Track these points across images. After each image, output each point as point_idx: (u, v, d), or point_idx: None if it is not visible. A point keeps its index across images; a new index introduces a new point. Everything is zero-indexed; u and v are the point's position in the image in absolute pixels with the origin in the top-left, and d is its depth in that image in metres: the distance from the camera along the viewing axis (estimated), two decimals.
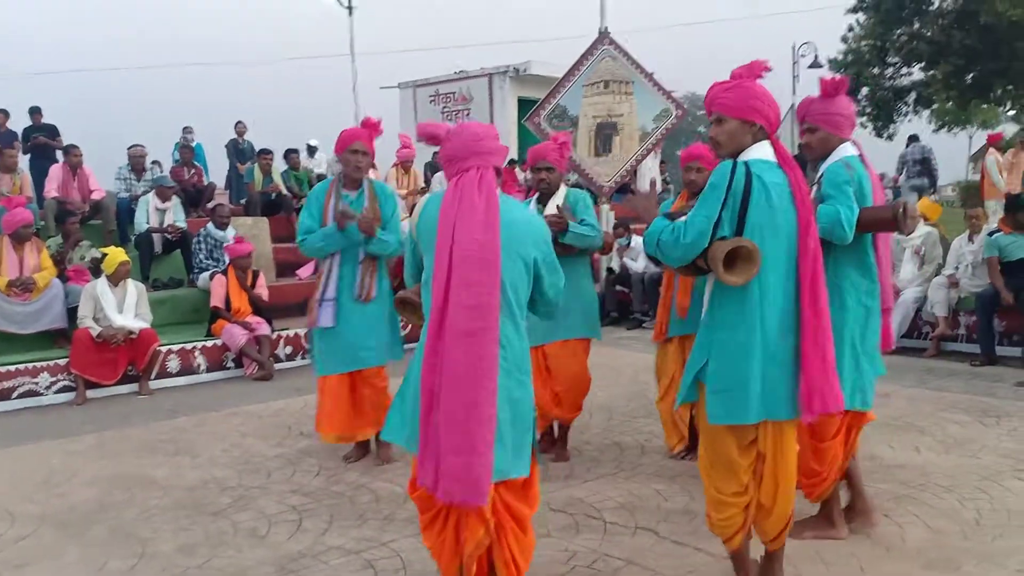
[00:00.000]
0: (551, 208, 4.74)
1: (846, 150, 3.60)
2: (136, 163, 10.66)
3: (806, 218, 2.90)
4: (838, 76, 3.78)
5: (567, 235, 4.55)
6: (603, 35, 11.09)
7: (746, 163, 2.90)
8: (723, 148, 3.02)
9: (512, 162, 17.30)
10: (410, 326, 9.59)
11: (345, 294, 4.87)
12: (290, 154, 12.78)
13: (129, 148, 10.79)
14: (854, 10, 26.27)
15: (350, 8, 22.05)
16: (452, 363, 2.58)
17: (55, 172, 9.96)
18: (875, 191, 3.59)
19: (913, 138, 15.53)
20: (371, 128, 4.93)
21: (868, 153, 3.70)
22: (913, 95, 26.70)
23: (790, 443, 3.03)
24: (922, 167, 14.82)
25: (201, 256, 9.22)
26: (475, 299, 2.58)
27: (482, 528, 2.69)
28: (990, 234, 7.83)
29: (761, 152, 2.95)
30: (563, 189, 4.87)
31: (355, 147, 4.82)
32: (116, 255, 7.49)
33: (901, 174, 15.25)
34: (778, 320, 2.89)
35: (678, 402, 3.24)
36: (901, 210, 3.36)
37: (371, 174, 12.42)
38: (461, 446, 2.57)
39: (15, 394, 7.05)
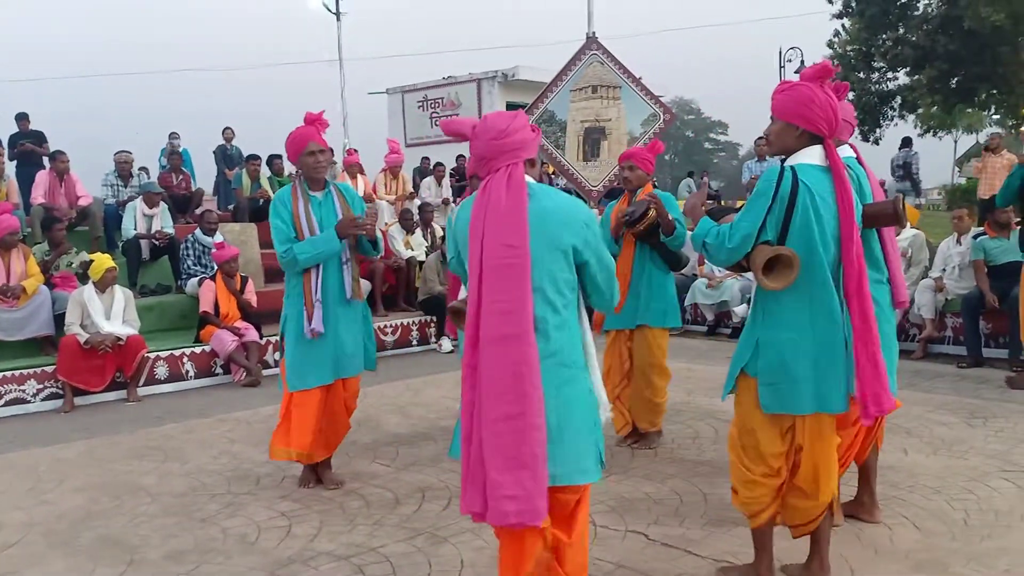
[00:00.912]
0: None
1: (843, 152, 3.69)
2: (122, 169, 10.61)
3: (849, 225, 2.98)
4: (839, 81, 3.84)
5: None
6: (591, 40, 11.13)
7: (793, 169, 3.00)
8: (771, 147, 3.20)
9: None
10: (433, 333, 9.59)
11: (330, 297, 4.58)
12: (274, 160, 12.68)
13: (115, 154, 10.74)
14: (840, 15, 26.49)
15: (338, 14, 22.07)
16: (489, 373, 2.44)
17: (41, 179, 9.90)
18: (875, 192, 3.71)
19: (904, 141, 15.68)
20: (317, 122, 4.62)
21: None
22: (899, 100, 26.91)
23: (830, 434, 3.15)
24: (903, 172, 15.01)
25: (189, 262, 9.19)
26: (507, 304, 2.44)
27: (540, 542, 2.53)
28: (975, 237, 7.89)
29: (811, 156, 3.05)
30: None
31: (312, 148, 4.53)
32: (103, 261, 7.45)
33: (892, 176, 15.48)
34: (826, 320, 3.01)
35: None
36: (901, 204, 3.46)
37: (360, 179, 12.42)
38: (509, 462, 2.39)
39: (2, 401, 7.01)
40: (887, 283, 3.71)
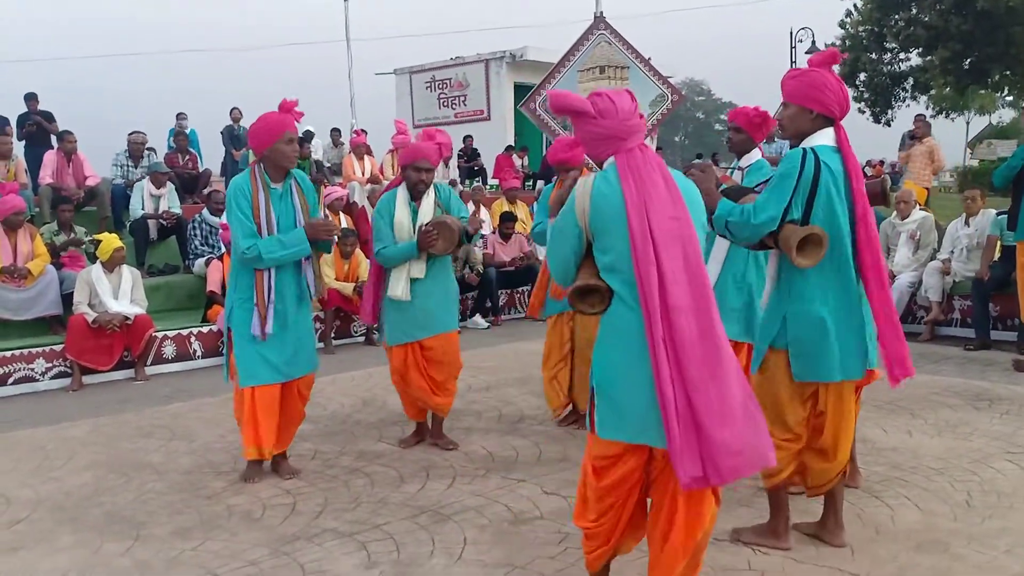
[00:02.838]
0: (426, 205, 4.82)
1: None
2: (135, 150, 10.65)
3: (863, 205, 3.15)
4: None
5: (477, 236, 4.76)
6: (599, 20, 11.06)
7: (814, 150, 3.14)
8: (786, 131, 3.33)
9: (509, 148, 17.27)
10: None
11: (285, 297, 4.44)
12: (303, 143, 12.27)
13: (129, 134, 10.77)
14: None
15: None
16: (686, 342, 2.48)
17: (49, 159, 9.94)
18: None
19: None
20: (292, 112, 4.42)
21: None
22: (911, 81, 26.68)
23: (849, 400, 3.32)
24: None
25: (196, 242, 9.22)
26: (690, 274, 2.53)
27: (713, 498, 2.63)
28: (998, 214, 7.82)
29: (825, 138, 3.20)
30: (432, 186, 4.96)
31: (291, 136, 4.35)
32: (111, 241, 7.48)
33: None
34: (846, 293, 3.21)
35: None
36: (888, 184, 3.56)
37: (367, 160, 12.37)
38: (724, 417, 2.46)
39: (11, 380, 7.07)
40: None
